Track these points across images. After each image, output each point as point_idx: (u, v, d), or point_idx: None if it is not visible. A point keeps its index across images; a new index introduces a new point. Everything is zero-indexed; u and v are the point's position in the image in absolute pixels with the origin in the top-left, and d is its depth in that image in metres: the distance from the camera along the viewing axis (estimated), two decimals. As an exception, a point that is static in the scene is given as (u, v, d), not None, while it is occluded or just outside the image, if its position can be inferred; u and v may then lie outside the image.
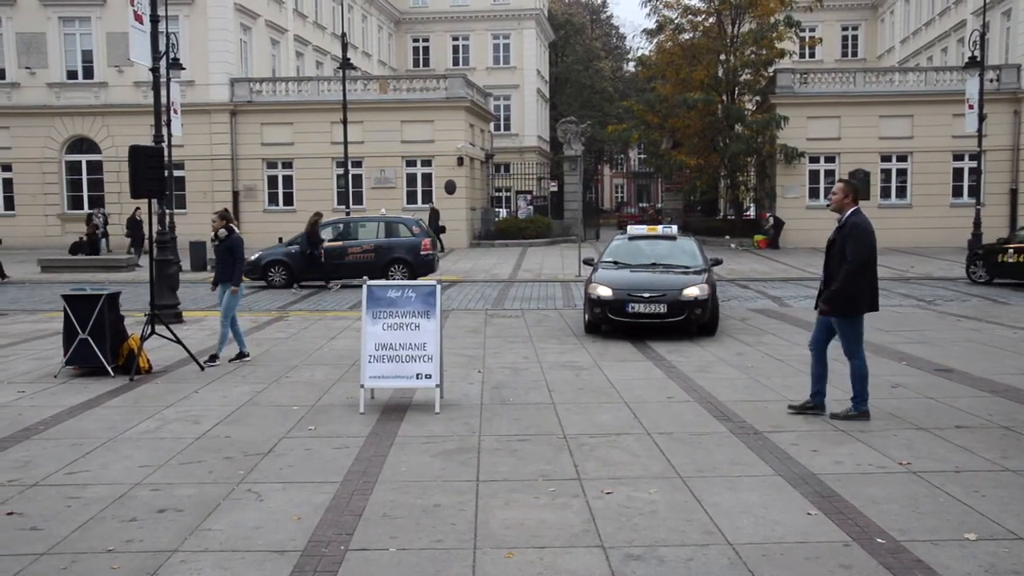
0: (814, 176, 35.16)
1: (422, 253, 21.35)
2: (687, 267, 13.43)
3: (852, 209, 7.84)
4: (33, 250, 33.31)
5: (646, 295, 12.44)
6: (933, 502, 5.68)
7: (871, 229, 7.79)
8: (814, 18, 44.19)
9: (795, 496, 5.81)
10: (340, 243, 21.55)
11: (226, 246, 11.12)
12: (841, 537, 5.10)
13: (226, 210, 11.68)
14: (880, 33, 53.83)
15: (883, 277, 22.58)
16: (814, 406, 8.06)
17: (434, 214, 31.56)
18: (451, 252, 32.84)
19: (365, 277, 9.23)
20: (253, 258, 20.86)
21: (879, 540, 5.04)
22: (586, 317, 13.34)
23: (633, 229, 15.18)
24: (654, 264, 13.63)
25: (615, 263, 13.83)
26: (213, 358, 10.82)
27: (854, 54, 54.59)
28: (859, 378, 7.89)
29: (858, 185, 8.21)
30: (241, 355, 11.04)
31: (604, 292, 12.62)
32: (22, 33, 35.81)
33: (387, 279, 21.07)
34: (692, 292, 12.50)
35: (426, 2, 57.31)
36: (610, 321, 12.64)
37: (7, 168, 36.43)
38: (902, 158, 34.70)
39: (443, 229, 30.93)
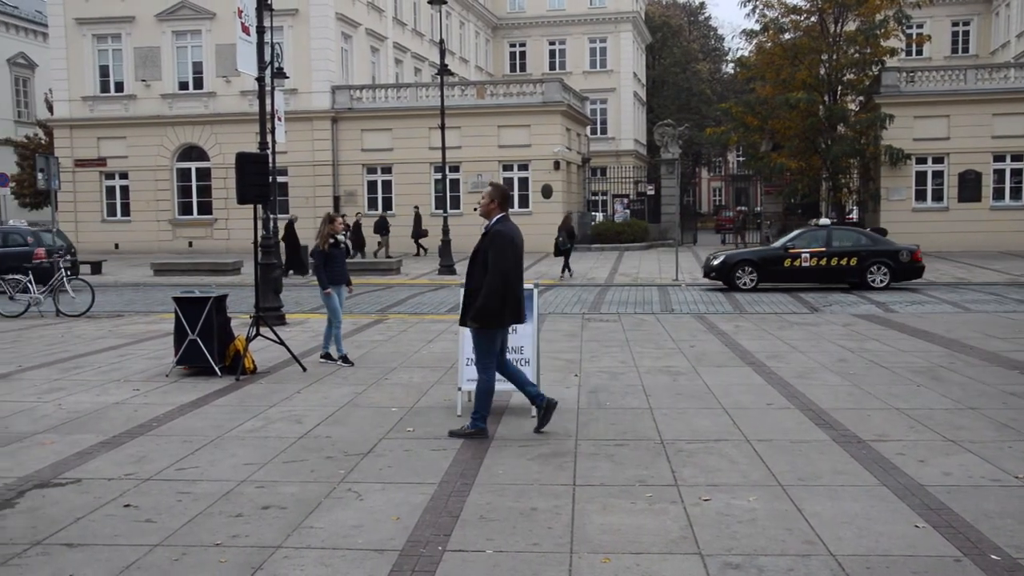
0: (921, 178, 34.01)
1: (35, 262, 21.17)
2: None
3: (498, 216, 7.33)
4: (147, 254, 34.75)
5: None
6: (1051, 518, 5.42)
7: (514, 237, 7.33)
8: (922, 15, 42.73)
9: (901, 507, 5.63)
10: None
11: (343, 249, 11.48)
12: (952, 552, 4.91)
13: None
14: (994, 28, 51.69)
15: (995, 282, 21.82)
16: (543, 407, 7.61)
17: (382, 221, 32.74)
18: (546, 256, 32.87)
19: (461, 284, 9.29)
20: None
21: (993, 556, 4.83)
22: None
23: None
24: None
25: None
26: (345, 359, 11.10)
27: (965, 51, 52.56)
28: (484, 393, 7.43)
29: (506, 189, 7.73)
30: (330, 356, 11.26)
31: None
32: (139, 48, 37.47)
33: None
34: None
35: (523, 7, 57.63)
36: None
37: (124, 176, 38.11)
38: (1017, 158, 33.27)
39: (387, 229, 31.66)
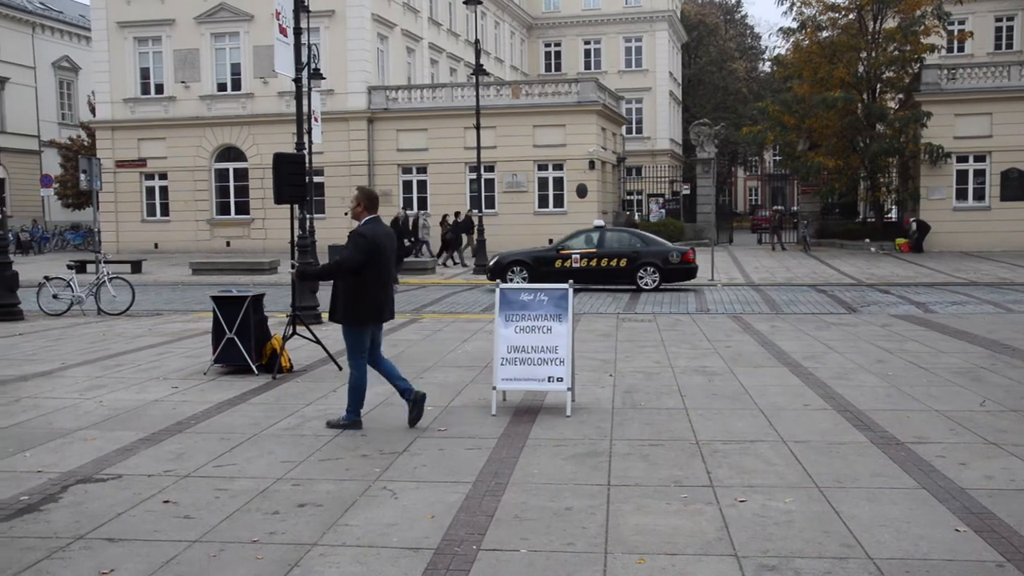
0: (962, 176, 33.50)
1: None
2: None
3: (367, 218, 7.56)
4: (186, 254, 35.19)
5: None
6: (1096, 523, 5.31)
7: (374, 238, 7.46)
8: (964, 10, 42.00)
9: (941, 511, 5.55)
10: None
11: None
12: (994, 557, 4.83)
13: None
14: (1038, 24, 50.75)
15: (1040, 282, 21.43)
16: (411, 401, 7.79)
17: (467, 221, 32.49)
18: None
19: (497, 280, 9.32)
20: None
21: (1035, 561, 4.75)
22: None
23: None
24: None
25: None
26: None
27: (1008, 47, 51.59)
28: (354, 390, 7.69)
29: (372, 192, 7.73)
30: None
31: None
32: (179, 50, 37.96)
33: None
34: None
35: (558, 7, 57.57)
36: None
37: (163, 176, 38.63)
38: (1062, 156, 32.66)
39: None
